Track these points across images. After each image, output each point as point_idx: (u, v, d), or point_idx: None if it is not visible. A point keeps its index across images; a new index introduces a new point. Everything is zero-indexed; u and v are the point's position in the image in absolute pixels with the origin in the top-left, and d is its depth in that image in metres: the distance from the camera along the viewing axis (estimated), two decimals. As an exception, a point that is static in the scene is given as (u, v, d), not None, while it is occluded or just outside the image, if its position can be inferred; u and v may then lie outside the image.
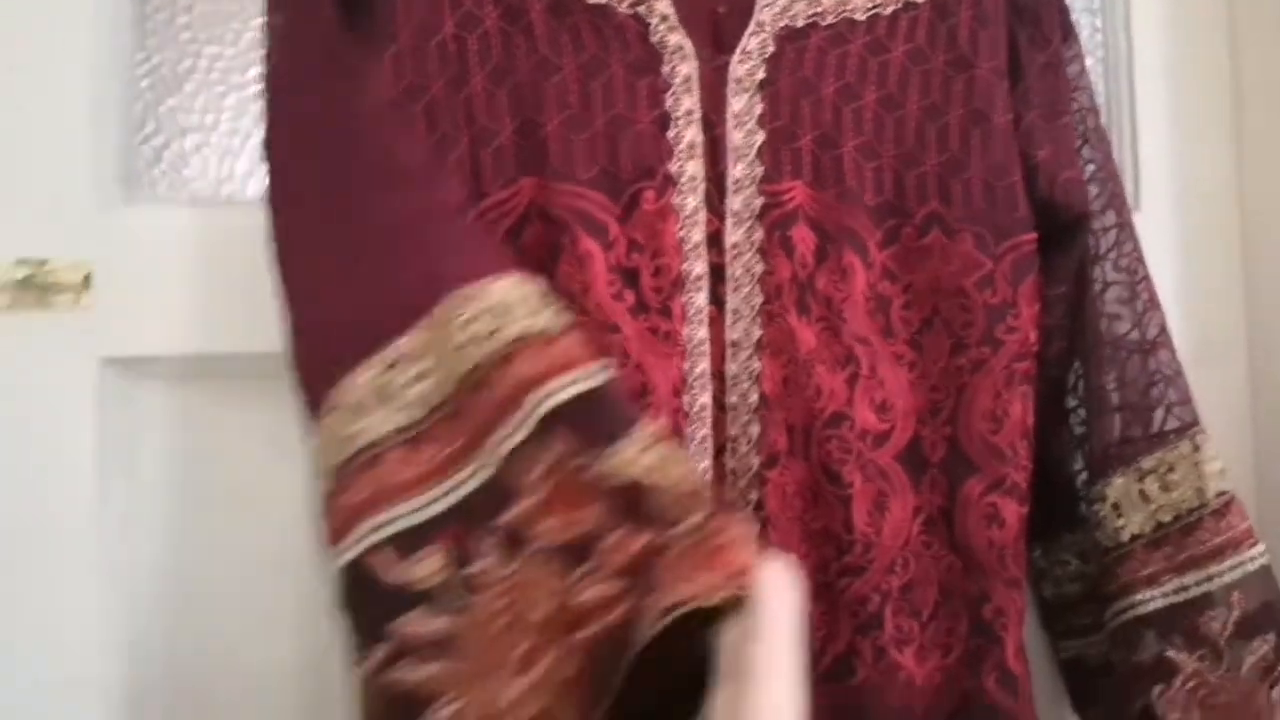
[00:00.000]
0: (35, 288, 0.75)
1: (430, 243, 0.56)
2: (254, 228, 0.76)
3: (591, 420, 0.51)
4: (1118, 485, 0.75)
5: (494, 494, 0.51)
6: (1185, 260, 0.88)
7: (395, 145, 0.59)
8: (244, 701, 0.78)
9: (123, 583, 0.78)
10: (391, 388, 0.54)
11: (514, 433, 0.52)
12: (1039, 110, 0.71)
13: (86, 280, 0.76)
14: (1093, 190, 0.75)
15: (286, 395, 0.78)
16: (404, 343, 0.55)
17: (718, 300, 0.65)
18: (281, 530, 0.79)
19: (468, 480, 0.52)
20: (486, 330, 0.54)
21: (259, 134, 0.81)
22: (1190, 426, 0.75)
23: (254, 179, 0.83)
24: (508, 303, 0.55)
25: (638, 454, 0.50)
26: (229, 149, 0.82)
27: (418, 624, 0.49)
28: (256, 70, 0.83)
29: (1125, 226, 0.76)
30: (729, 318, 0.65)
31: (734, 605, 0.44)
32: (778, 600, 0.44)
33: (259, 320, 0.76)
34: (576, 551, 0.49)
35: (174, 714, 0.78)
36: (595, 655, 0.46)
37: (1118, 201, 0.77)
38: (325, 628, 0.77)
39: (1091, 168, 0.76)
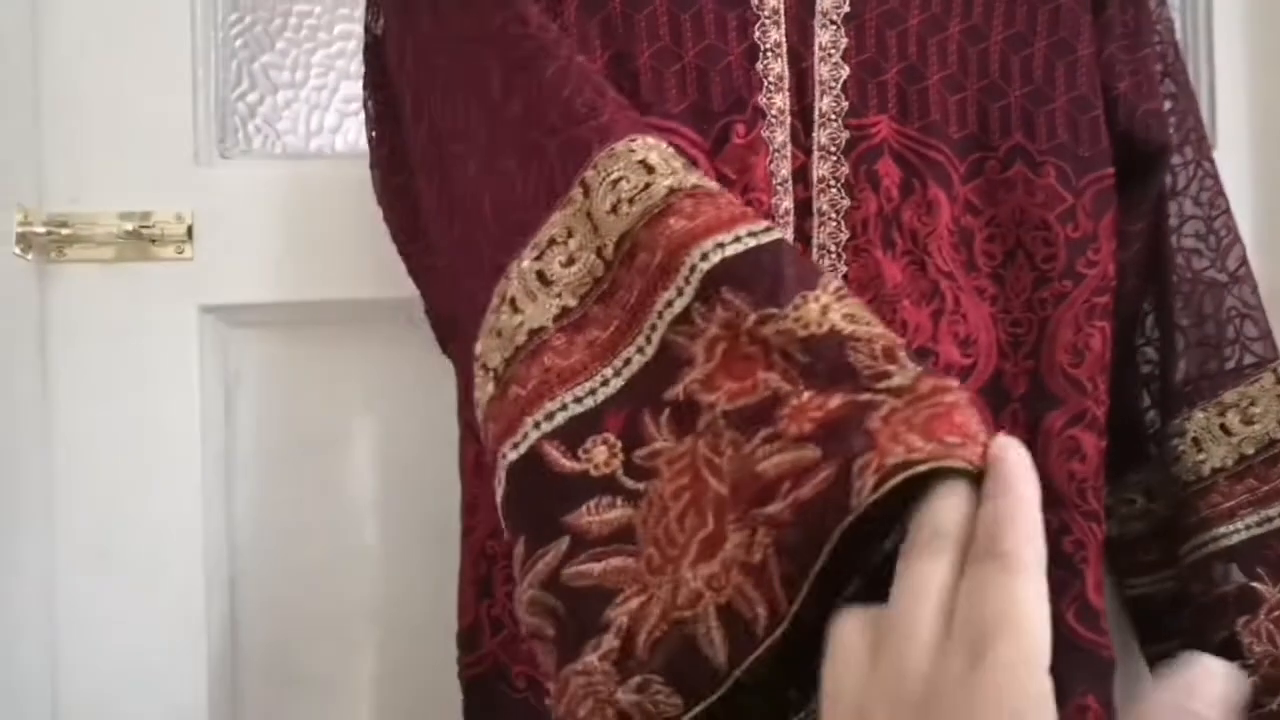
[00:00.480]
0: (140, 240, 0.76)
1: (573, 109, 0.52)
2: (343, 179, 0.76)
3: (765, 277, 0.45)
4: (1198, 420, 0.73)
5: (662, 367, 0.46)
6: (1261, 199, 0.84)
7: (528, 17, 0.55)
8: (331, 632, 0.79)
9: (222, 517, 0.78)
10: (549, 272, 0.50)
11: (677, 296, 0.46)
12: (1120, 42, 0.68)
13: (188, 232, 0.76)
14: (1171, 124, 0.72)
15: (374, 340, 0.79)
16: (556, 219, 0.50)
17: (803, 236, 0.62)
18: (369, 471, 0.80)
19: (633, 358, 0.47)
20: (636, 187, 0.48)
21: (345, 88, 0.82)
22: (1271, 360, 0.73)
23: (341, 132, 0.82)
24: (656, 160, 0.49)
25: (828, 304, 0.44)
26: (317, 103, 0.82)
27: (593, 515, 0.44)
28: (342, 27, 0.82)
29: (1204, 161, 0.73)
30: (815, 253, 0.62)
31: (959, 475, 0.37)
32: (1026, 477, 0.37)
33: (349, 268, 0.77)
34: (757, 418, 0.42)
35: (268, 642, 0.79)
36: (799, 527, 0.39)
37: (1196, 136, 0.73)
38: (408, 565, 0.79)
39: (1170, 102, 0.73)
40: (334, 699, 0.79)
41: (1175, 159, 0.73)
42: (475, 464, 0.64)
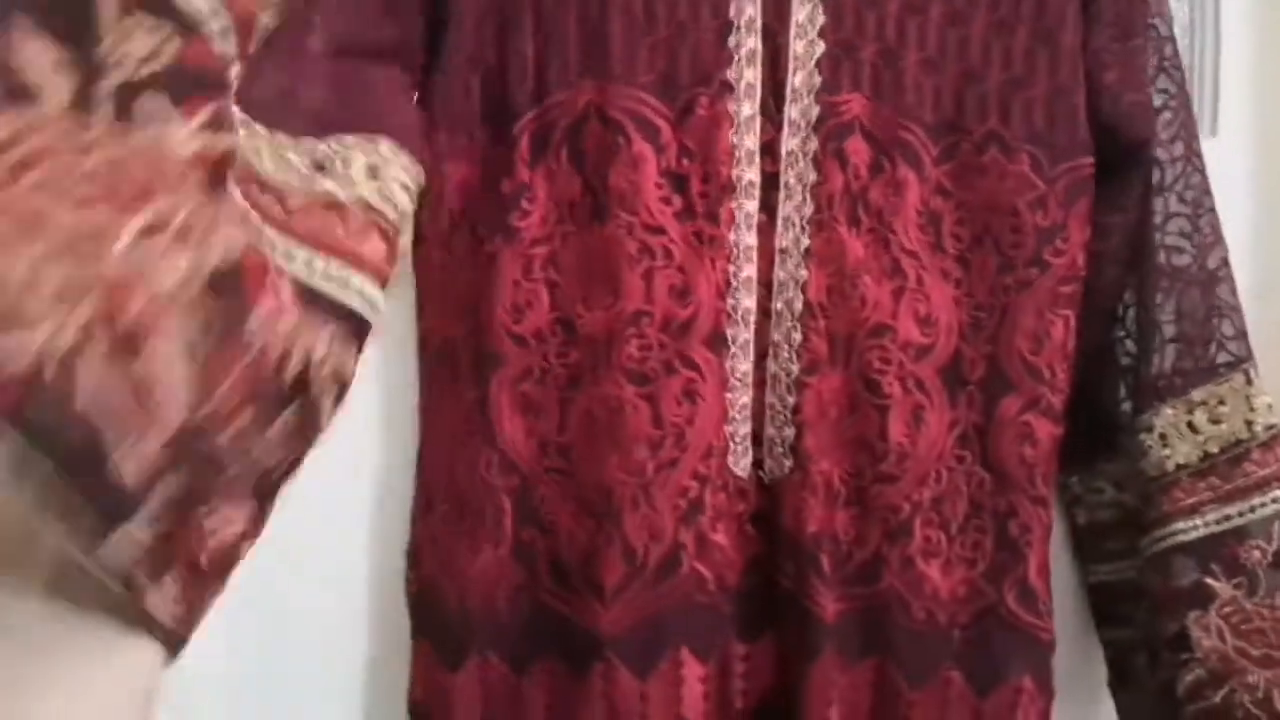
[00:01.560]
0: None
1: None
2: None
3: None
4: (1166, 415, 0.72)
5: None
6: (1261, 188, 0.81)
7: None
8: (320, 600, 0.79)
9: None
10: None
11: None
12: (1110, 31, 0.67)
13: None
14: (1164, 119, 0.71)
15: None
16: None
17: (769, 208, 0.63)
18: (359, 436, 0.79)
19: None
20: None
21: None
22: (1244, 360, 0.72)
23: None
24: None
25: None
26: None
27: None
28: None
29: (1193, 158, 0.72)
30: (779, 225, 0.63)
31: None
32: None
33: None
34: None
35: (261, 609, 0.79)
36: None
37: (1187, 133, 0.72)
38: (398, 532, 0.79)
39: (1164, 97, 0.71)
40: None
41: (1163, 154, 0.72)
42: (430, 392, 0.66)
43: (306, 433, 0.45)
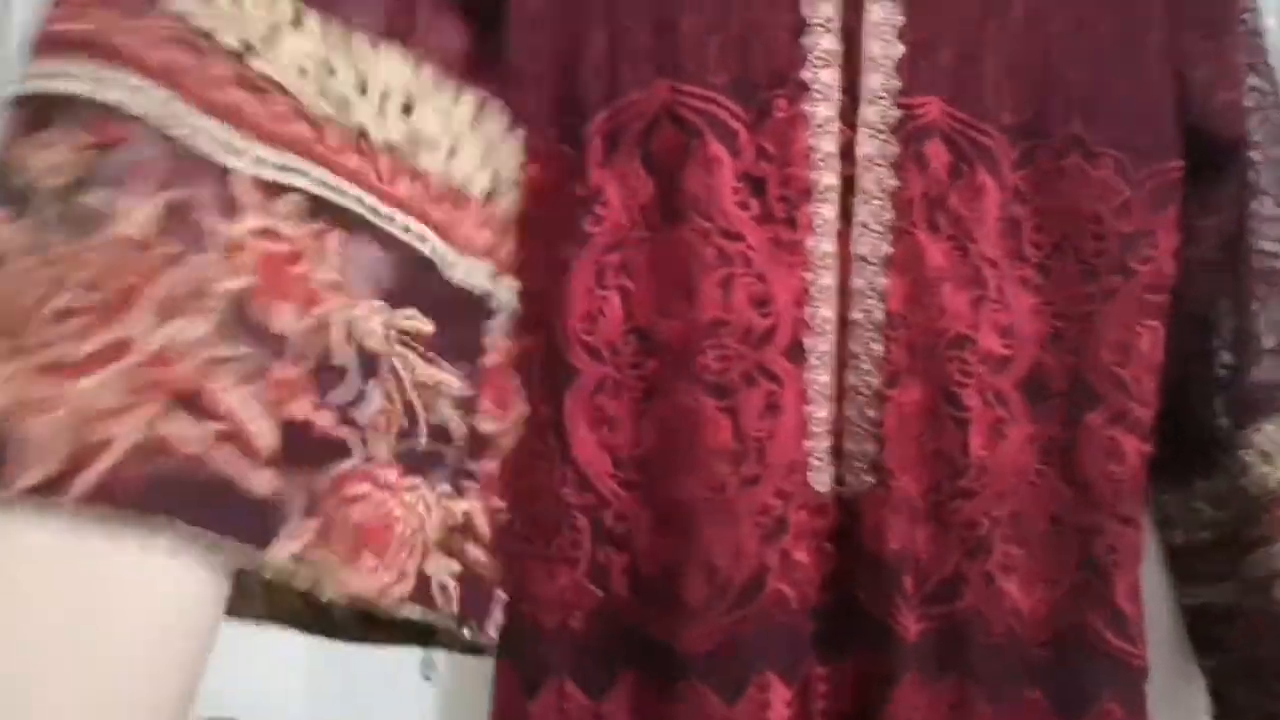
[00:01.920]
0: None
1: None
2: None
3: None
4: (1268, 431, 0.69)
5: None
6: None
7: None
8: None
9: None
10: None
11: None
12: (1199, 28, 0.64)
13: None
14: (1256, 119, 0.69)
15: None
16: None
17: (846, 214, 0.61)
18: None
19: None
20: None
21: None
22: (1349, 373, 0.69)
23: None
24: None
25: None
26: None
27: None
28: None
29: (1289, 159, 0.70)
30: (857, 231, 0.61)
31: None
32: None
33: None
34: None
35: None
36: None
37: (1281, 133, 0.70)
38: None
39: (1257, 95, 0.69)
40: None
41: (1259, 156, 0.69)
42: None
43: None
